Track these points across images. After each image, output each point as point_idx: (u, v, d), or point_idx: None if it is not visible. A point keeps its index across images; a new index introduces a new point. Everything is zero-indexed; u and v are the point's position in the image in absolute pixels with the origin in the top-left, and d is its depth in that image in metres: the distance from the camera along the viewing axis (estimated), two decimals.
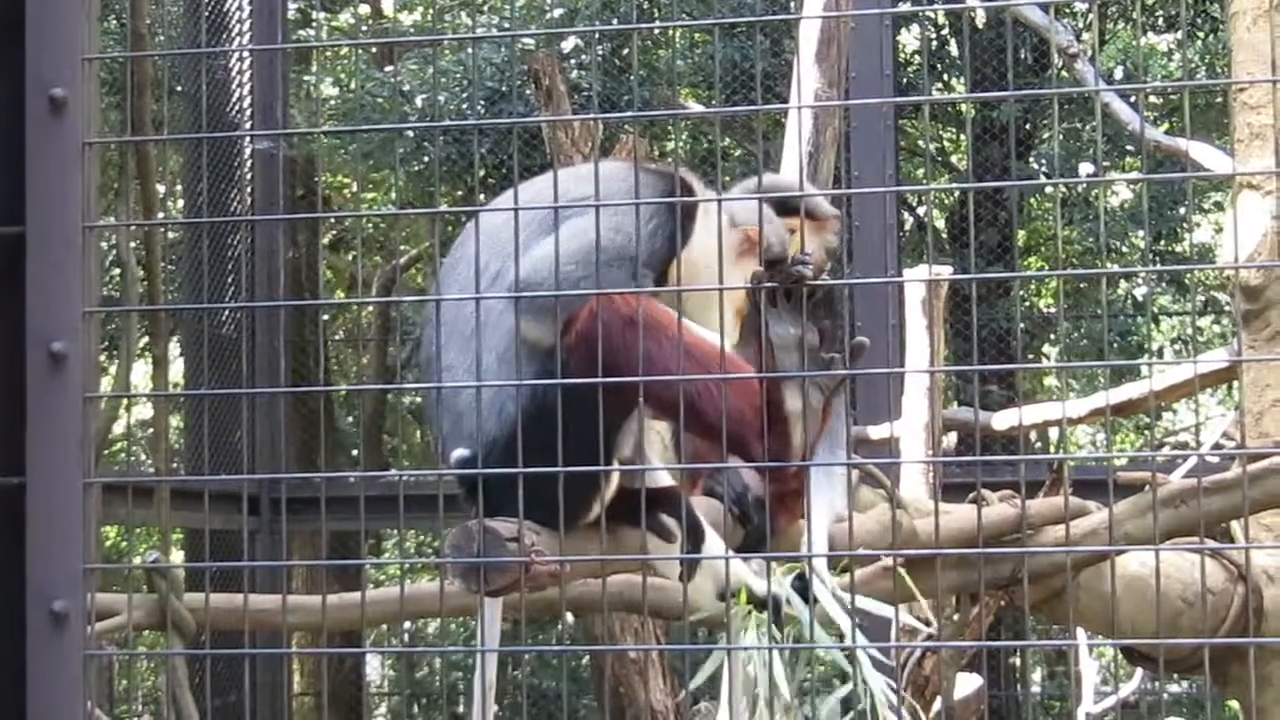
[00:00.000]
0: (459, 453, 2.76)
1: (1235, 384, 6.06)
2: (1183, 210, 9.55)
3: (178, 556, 9.11)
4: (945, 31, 10.37)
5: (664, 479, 2.98)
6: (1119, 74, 9.58)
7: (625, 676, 5.42)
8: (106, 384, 7.00)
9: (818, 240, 3.52)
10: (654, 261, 2.83)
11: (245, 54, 8.52)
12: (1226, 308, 9.02)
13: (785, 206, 3.26)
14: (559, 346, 2.67)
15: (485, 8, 9.82)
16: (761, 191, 3.22)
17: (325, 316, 10.07)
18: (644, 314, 2.63)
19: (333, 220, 10.61)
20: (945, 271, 5.92)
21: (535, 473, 2.28)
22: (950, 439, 6.39)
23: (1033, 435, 9.13)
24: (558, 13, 9.47)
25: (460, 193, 9.53)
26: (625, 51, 9.43)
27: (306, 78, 10.24)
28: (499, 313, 2.70)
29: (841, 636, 2.85)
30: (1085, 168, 9.80)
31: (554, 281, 2.66)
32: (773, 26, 8.88)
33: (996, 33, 9.44)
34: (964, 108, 9.55)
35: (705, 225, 2.94)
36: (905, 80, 9.67)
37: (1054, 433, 8.09)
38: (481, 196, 7.81)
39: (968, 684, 4.34)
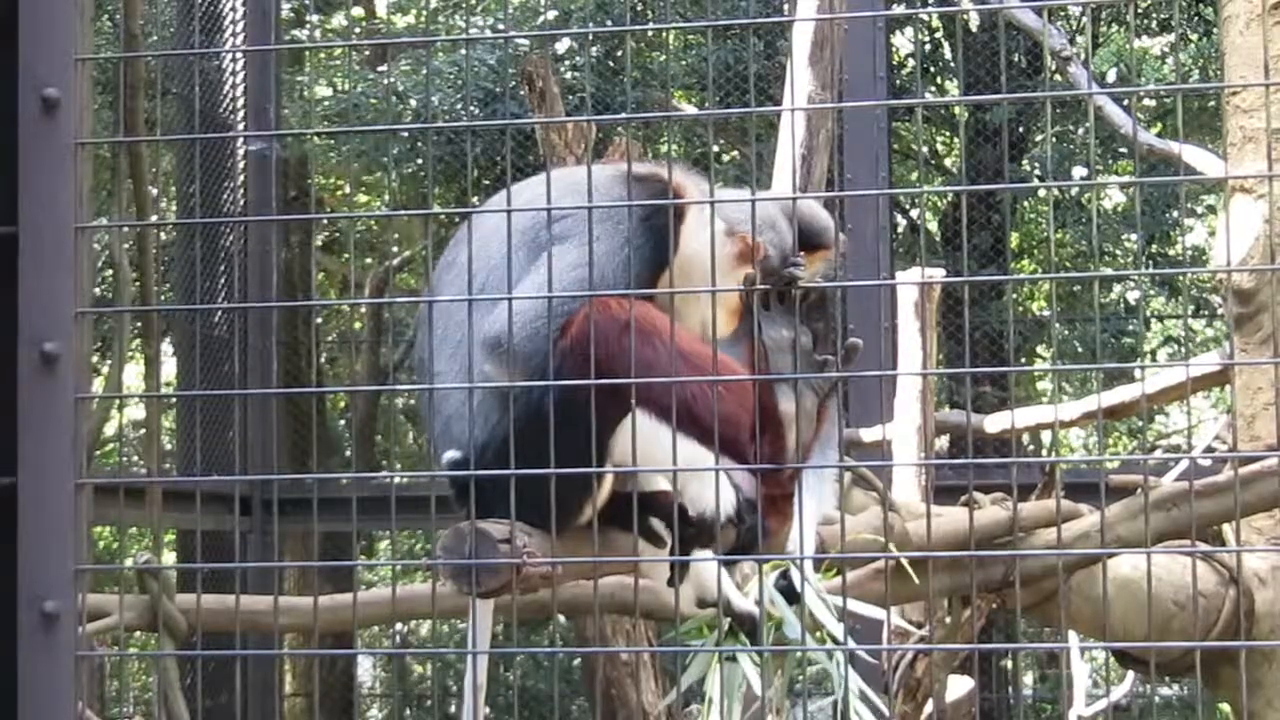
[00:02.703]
0: (450, 454, 2.76)
1: (1227, 387, 6.06)
2: (1175, 213, 9.55)
3: (169, 557, 9.11)
4: (939, 34, 10.38)
5: (657, 483, 2.96)
6: (1112, 77, 9.58)
7: (617, 678, 5.41)
8: (99, 384, 6.98)
9: (822, 264, 3.44)
10: (638, 287, 2.76)
11: (238, 55, 8.52)
12: (1219, 311, 9.02)
13: (803, 241, 3.09)
14: (552, 353, 2.66)
15: (479, 9, 9.81)
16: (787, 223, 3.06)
17: (318, 319, 10.06)
18: (637, 318, 2.60)
19: (325, 221, 10.59)
20: (938, 274, 5.92)
21: (525, 475, 2.29)
22: (942, 442, 6.39)
23: (1025, 438, 9.14)
24: (551, 14, 9.46)
25: (454, 194, 9.52)
26: (619, 53, 9.43)
27: (300, 79, 10.22)
28: (475, 355, 2.67)
29: (823, 639, 2.85)
30: (1078, 171, 9.80)
31: (522, 336, 2.64)
32: (767, 29, 8.88)
33: (990, 36, 9.44)
34: (957, 110, 9.55)
35: (693, 227, 2.90)
36: (899, 83, 9.67)
37: (1046, 436, 8.09)
38: (475, 199, 7.80)
39: (959, 686, 4.34)
